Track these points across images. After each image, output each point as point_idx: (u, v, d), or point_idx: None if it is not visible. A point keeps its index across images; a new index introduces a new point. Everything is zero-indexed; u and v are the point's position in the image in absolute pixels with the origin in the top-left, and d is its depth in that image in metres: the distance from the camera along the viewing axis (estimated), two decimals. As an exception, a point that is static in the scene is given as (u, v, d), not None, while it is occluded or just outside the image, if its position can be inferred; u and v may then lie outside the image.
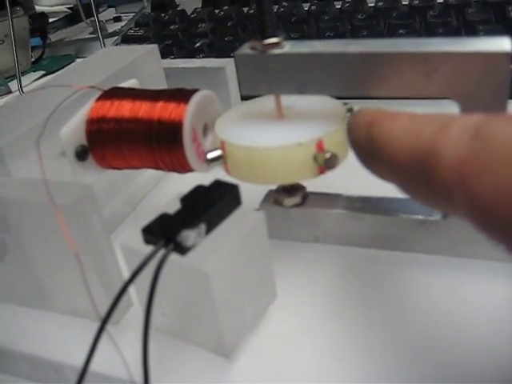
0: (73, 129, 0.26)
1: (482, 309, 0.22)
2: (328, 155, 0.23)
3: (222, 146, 0.24)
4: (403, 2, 0.51)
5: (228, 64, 0.33)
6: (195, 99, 0.25)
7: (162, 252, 0.19)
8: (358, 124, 0.19)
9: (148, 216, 0.20)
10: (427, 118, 0.17)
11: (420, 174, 0.16)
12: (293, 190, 0.27)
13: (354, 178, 0.29)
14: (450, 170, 0.15)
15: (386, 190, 0.26)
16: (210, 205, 0.20)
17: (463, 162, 0.14)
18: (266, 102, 0.26)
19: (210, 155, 0.24)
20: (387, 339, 0.22)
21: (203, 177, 0.23)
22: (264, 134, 0.24)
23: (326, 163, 0.23)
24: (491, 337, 0.21)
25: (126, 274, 0.20)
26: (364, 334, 0.22)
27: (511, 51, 0.20)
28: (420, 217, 0.25)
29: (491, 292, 0.23)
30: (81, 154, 0.26)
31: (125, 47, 0.40)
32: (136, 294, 0.23)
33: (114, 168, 0.28)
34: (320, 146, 0.23)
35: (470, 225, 0.15)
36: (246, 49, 0.23)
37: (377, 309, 0.23)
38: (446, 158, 0.15)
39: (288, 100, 0.25)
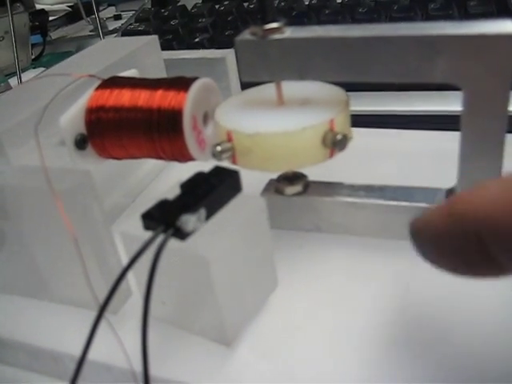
0: (72, 117, 0.26)
1: (483, 297, 0.22)
2: (339, 137, 0.23)
3: (229, 136, 0.24)
4: (404, -4, 0.51)
5: (228, 54, 0.33)
6: (195, 87, 0.25)
7: (161, 237, 0.19)
8: (432, 214, 0.16)
9: (149, 206, 0.20)
10: None
11: None
12: (294, 178, 0.27)
13: (355, 166, 0.29)
14: None
15: (389, 178, 0.27)
16: (210, 190, 0.20)
17: None
18: (265, 90, 0.26)
19: (219, 148, 0.24)
20: (388, 329, 0.22)
21: (204, 166, 0.23)
22: (270, 120, 0.24)
23: (337, 144, 0.23)
24: (494, 330, 0.21)
25: (126, 262, 0.20)
26: (365, 323, 0.22)
27: (515, 33, 0.20)
28: (423, 204, 0.24)
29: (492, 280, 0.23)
30: (80, 143, 0.26)
31: (124, 38, 0.40)
32: (136, 283, 0.23)
33: (114, 157, 0.27)
34: (332, 128, 0.23)
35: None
36: (246, 34, 0.23)
37: (378, 298, 0.23)
38: None
39: (287, 86, 0.25)
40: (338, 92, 0.25)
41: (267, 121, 0.24)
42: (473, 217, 0.14)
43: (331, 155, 0.24)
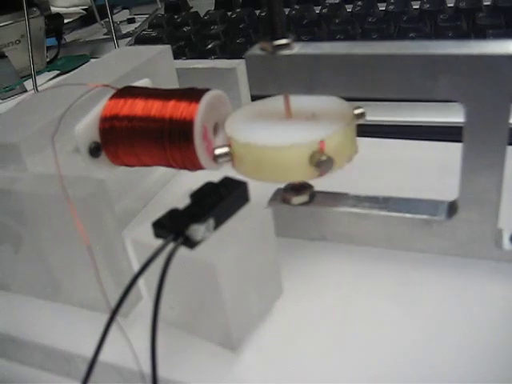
0: (86, 126, 0.27)
1: (486, 309, 0.23)
2: (324, 158, 0.23)
3: (229, 142, 0.25)
4: (414, 6, 0.51)
5: (239, 65, 0.34)
6: (206, 98, 0.26)
7: (171, 246, 0.19)
8: None
9: (159, 212, 0.21)
10: None
11: None
12: (301, 188, 0.27)
13: (361, 177, 0.30)
14: None
15: (393, 189, 0.27)
16: (219, 201, 0.21)
17: None
18: (278, 102, 0.26)
19: (218, 151, 0.25)
20: (392, 337, 0.22)
21: (213, 175, 0.24)
22: (268, 132, 0.25)
23: (320, 165, 0.23)
24: (495, 337, 0.22)
25: (137, 268, 0.20)
26: (369, 331, 0.23)
27: (516, 54, 0.20)
28: (425, 216, 0.25)
29: (496, 292, 0.24)
30: (94, 151, 0.27)
31: (138, 47, 0.41)
32: (146, 288, 0.24)
33: (127, 165, 0.28)
34: (321, 148, 0.23)
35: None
36: (256, 50, 0.24)
37: (382, 307, 0.24)
38: None
39: (299, 100, 0.26)
40: (344, 110, 0.25)
41: (264, 132, 0.25)
42: None
43: (321, 174, 0.24)
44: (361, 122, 0.25)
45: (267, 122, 0.26)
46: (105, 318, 0.19)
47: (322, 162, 0.23)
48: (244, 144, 0.24)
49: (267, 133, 0.25)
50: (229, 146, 0.25)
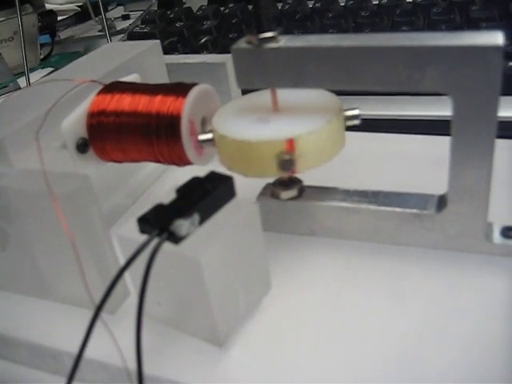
0: (74, 121, 0.26)
1: (476, 303, 0.23)
2: (286, 157, 0.23)
3: (213, 133, 0.25)
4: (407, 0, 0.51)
5: (228, 60, 0.33)
6: (193, 93, 0.26)
7: (156, 241, 0.19)
8: None
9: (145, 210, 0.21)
10: None
11: None
12: (290, 183, 0.27)
13: (351, 171, 0.29)
14: None
15: (382, 184, 0.27)
16: (204, 195, 0.21)
17: None
18: (268, 95, 0.26)
19: (201, 137, 0.25)
20: (382, 332, 0.22)
21: (204, 170, 0.24)
22: (245, 126, 0.25)
23: (282, 165, 0.23)
24: (486, 332, 0.21)
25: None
26: (358, 326, 0.22)
27: (503, 45, 0.20)
28: (414, 210, 0.25)
29: (486, 286, 0.23)
30: (81, 147, 0.27)
31: (128, 43, 0.41)
32: (133, 284, 0.24)
33: (115, 161, 0.28)
34: (289, 146, 0.23)
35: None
36: (242, 43, 0.24)
37: (371, 301, 0.24)
38: None
39: (289, 94, 0.26)
40: (331, 107, 0.25)
41: (242, 126, 0.25)
42: None
43: (287, 172, 0.24)
44: (353, 123, 0.25)
45: (251, 116, 0.25)
46: (92, 314, 0.19)
47: (283, 162, 0.23)
48: (221, 135, 0.24)
49: (245, 127, 0.24)
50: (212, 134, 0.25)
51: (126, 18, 0.86)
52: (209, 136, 0.25)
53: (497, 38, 0.20)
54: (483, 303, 0.23)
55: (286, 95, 0.26)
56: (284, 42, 0.23)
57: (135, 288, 0.23)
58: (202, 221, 0.20)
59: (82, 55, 0.67)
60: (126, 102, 0.26)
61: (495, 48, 0.20)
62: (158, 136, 0.26)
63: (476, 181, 0.23)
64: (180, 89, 0.26)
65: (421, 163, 0.32)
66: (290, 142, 0.23)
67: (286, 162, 0.23)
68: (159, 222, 0.20)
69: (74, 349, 0.19)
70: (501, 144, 0.23)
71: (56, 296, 0.26)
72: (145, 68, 0.33)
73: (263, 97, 0.26)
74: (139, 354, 0.18)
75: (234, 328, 0.23)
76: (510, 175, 0.30)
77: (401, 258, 0.26)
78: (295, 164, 0.23)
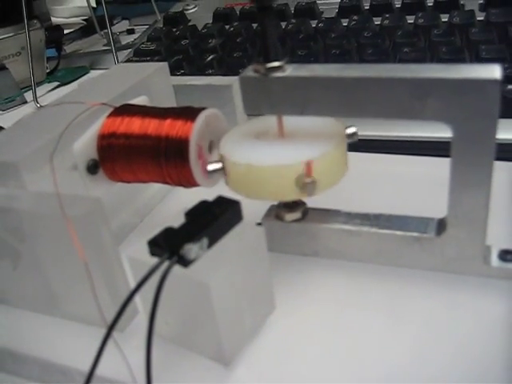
0: (85, 143, 0.27)
1: (474, 324, 0.23)
2: (309, 180, 0.24)
3: (221, 159, 0.26)
4: (409, 21, 0.52)
5: (234, 82, 0.34)
6: (201, 117, 0.26)
7: (166, 264, 0.20)
8: None
9: (155, 228, 0.21)
10: None
11: None
12: (294, 205, 0.28)
13: (353, 192, 0.30)
14: None
15: (384, 207, 0.28)
16: (213, 220, 0.21)
17: None
18: (274, 121, 0.27)
19: (210, 167, 0.26)
20: (383, 352, 0.23)
21: (208, 191, 0.24)
22: (258, 152, 0.25)
23: (305, 188, 0.24)
24: (484, 353, 0.22)
25: (133, 284, 0.21)
26: (361, 347, 0.23)
27: (500, 78, 0.21)
28: (415, 234, 0.26)
29: (484, 308, 0.24)
30: (92, 168, 0.28)
31: (136, 64, 0.41)
32: (142, 303, 0.24)
33: (124, 181, 0.29)
34: (308, 170, 0.24)
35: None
36: (249, 71, 0.25)
37: (373, 322, 0.24)
38: None
39: (293, 120, 0.26)
40: (336, 130, 0.26)
41: (254, 152, 0.25)
42: None
43: (308, 195, 0.25)
44: (353, 140, 0.26)
45: (259, 141, 0.26)
46: (101, 332, 0.20)
47: (306, 185, 0.24)
48: (233, 162, 0.25)
49: (257, 152, 0.25)
50: (222, 162, 0.26)
51: (130, 32, 0.87)
52: (218, 166, 0.26)
53: (495, 71, 0.21)
54: (481, 325, 0.23)
55: (289, 120, 0.26)
56: (290, 71, 0.24)
57: (144, 307, 0.24)
58: (211, 244, 0.21)
59: (88, 70, 0.69)
60: (135, 125, 0.27)
61: (494, 81, 0.21)
62: (166, 159, 0.26)
63: (474, 206, 0.24)
64: (189, 113, 0.27)
65: (422, 184, 0.32)
66: (308, 165, 0.24)
67: (308, 185, 0.24)
68: (169, 246, 0.20)
69: (84, 365, 0.20)
70: (499, 166, 0.24)
71: (66, 313, 0.26)
72: (153, 89, 0.34)
73: (268, 122, 0.27)
74: (149, 371, 0.19)
75: (239, 347, 0.23)
76: (507, 197, 0.30)
77: (401, 280, 0.26)
78: (316, 186, 0.24)
